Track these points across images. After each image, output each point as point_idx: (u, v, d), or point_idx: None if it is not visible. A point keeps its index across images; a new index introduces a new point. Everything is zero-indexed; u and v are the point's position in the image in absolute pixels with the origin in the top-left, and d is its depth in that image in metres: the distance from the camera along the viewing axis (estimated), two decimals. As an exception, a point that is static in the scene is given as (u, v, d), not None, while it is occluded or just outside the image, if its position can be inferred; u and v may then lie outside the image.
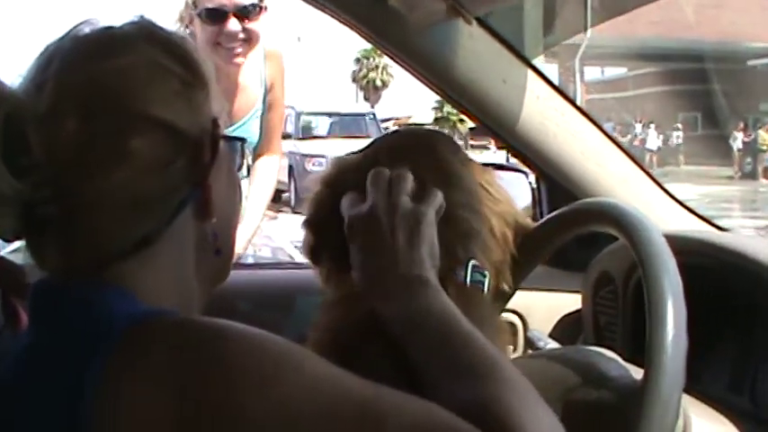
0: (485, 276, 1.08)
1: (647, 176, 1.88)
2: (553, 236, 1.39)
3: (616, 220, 1.18)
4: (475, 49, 1.70)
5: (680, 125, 32.10)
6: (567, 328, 1.88)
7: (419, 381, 0.88)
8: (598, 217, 1.26)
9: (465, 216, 1.09)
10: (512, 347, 1.81)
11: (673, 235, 1.70)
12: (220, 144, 0.93)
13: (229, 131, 2.69)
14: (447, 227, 1.06)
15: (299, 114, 18.92)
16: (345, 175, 1.13)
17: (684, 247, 1.59)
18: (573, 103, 1.80)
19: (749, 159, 26.85)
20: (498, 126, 1.78)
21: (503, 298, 1.43)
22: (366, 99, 40.49)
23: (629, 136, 30.86)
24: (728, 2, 32.16)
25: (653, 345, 1.04)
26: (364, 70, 39.93)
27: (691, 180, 24.70)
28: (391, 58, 1.77)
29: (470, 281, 1.06)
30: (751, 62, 32.42)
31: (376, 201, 1.03)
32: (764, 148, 25.82)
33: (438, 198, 1.05)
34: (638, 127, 31.38)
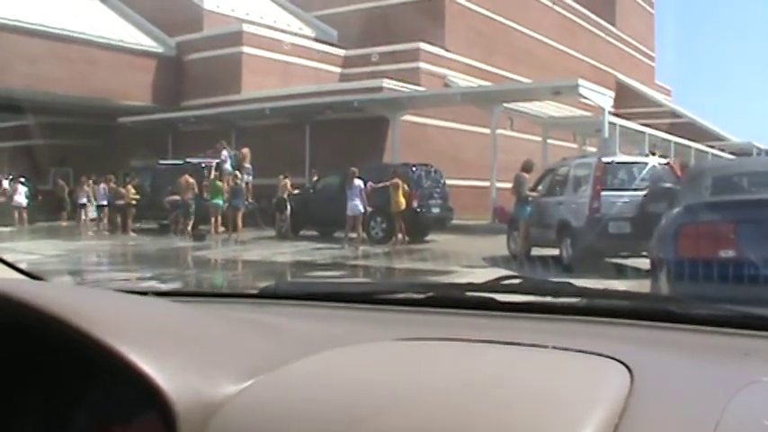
0: None
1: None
2: None
3: None
4: None
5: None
6: None
7: None
8: None
9: None
10: None
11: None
12: None
13: None
14: None
15: None
16: None
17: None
18: None
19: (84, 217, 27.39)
20: None
21: None
22: None
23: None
24: (100, 59, 32.52)
25: None
26: None
27: (60, 236, 24.19)
28: None
29: None
30: (121, 119, 33.14)
31: None
32: (133, 202, 26.29)
33: None
34: (6, 182, 29.71)
